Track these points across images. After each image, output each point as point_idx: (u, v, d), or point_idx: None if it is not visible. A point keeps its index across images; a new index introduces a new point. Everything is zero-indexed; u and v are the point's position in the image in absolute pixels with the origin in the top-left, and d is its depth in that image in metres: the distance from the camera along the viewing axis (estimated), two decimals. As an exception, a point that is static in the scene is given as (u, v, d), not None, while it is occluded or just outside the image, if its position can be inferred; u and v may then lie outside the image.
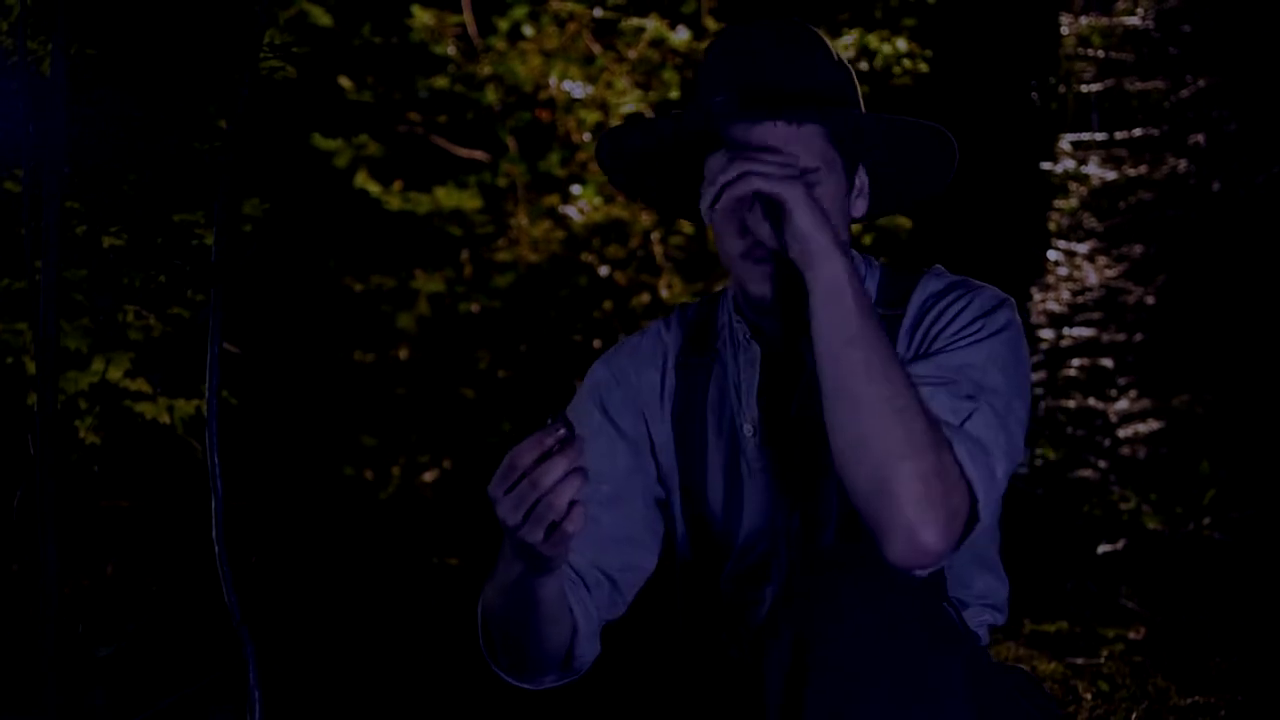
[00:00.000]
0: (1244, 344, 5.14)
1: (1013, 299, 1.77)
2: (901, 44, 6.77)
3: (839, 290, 1.61)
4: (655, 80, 7.05)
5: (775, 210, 1.65)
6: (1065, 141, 5.75)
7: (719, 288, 1.94)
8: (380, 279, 8.15)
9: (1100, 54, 5.58)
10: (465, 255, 8.16)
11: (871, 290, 1.82)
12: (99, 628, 3.39)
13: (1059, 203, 5.87)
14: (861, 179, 1.81)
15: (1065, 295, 5.69)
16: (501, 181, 7.94)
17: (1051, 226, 5.91)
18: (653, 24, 6.95)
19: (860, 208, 1.82)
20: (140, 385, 3.20)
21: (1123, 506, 5.28)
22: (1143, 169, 5.47)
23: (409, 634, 4.44)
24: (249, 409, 3.73)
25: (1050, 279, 5.80)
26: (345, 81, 7.84)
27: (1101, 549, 5.12)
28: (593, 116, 7.10)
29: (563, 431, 1.41)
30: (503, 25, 7.63)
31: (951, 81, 7.45)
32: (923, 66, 6.79)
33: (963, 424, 1.61)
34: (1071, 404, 5.58)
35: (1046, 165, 5.91)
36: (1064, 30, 6.08)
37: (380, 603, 5.10)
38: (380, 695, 3.55)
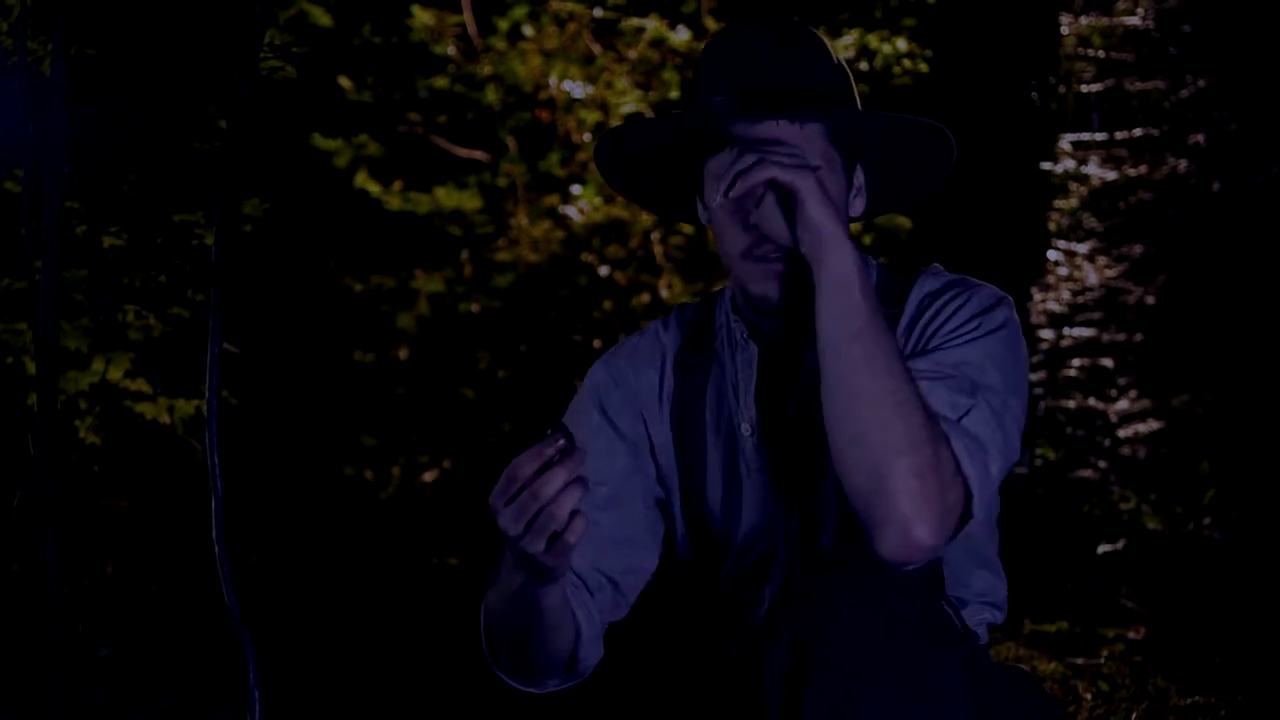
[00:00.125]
0: (1244, 344, 5.14)
1: (1011, 297, 1.77)
2: (901, 44, 6.76)
3: (847, 282, 1.62)
4: (655, 80, 7.04)
5: (787, 201, 1.66)
6: (1065, 141, 5.75)
7: (719, 288, 1.94)
8: (380, 279, 8.14)
9: (1100, 54, 5.58)
10: (465, 255, 8.16)
11: (871, 289, 1.82)
12: (99, 628, 3.39)
13: (1059, 203, 5.87)
14: (859, 178, 1.81)
15: (1065, 295, 5.69)
16: (501, 181, 7.94)
17: (1051, 226, 5.91)
18: (653, 24, 6.95)
19: (858, 207, 1.82)
20: (140, 385, 3.20)
21: (1123, 506, 5.28)
22: (1143, 169, 5.47)
23: (409, 634, 4.44)
24: (249, 409, 3.73)
25: (1050, 279, 5.80)
26: (345, 81, 7.83)
27: (1101, 549, 5.12)
28: (593, 116, 7.10)
29: (562, 442, 1.41)
30: (503, 25, 7.62)
31: (951, 81, 7.46)
32: (923, 66, 6.78)
33: (960, 419, 1.61)
34: (1071, 404, 5.58)
35: (1046, 165, 5.91)
36: (1064, 30, 6.07)
37: (380, 603, 5.10)
38: (380, 695, 3.55)
